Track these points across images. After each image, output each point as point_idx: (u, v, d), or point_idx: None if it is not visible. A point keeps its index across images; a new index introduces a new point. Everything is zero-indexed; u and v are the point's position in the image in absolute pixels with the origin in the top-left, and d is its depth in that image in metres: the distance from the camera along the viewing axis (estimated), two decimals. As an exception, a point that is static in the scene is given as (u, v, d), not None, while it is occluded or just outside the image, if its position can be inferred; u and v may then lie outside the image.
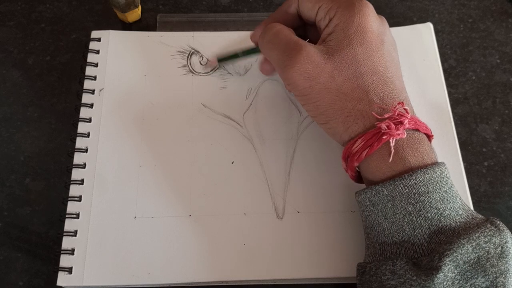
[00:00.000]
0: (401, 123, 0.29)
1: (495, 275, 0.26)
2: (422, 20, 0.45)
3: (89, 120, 0.38)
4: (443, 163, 0.29)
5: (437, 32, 0.44)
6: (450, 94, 0.42)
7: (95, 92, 0.40)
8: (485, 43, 0.45)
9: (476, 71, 0.43)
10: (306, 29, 0.38)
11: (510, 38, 0.45)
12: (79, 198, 0.36)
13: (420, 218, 0.27)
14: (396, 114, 0.29)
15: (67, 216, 0.35)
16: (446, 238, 0.27)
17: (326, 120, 0.32)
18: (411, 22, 0.45)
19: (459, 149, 0.38)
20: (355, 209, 0.36)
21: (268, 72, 0.39)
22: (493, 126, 0.41)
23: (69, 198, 0.36)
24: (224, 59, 0.40)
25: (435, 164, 0.29)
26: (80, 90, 0.40)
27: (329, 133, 0.32)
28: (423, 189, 0.28)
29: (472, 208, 0.36)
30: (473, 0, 0.47)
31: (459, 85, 0.43)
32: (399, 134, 0.28)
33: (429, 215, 0.27)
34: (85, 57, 0.41)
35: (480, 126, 0.41)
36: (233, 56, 0.40)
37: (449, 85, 0.42)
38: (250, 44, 0.38)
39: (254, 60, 0.41)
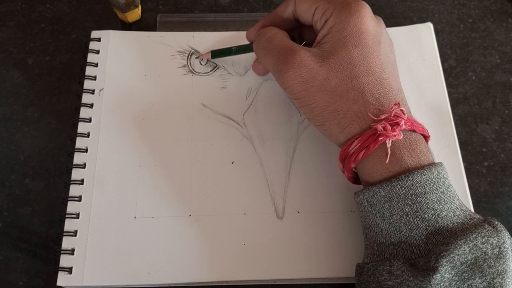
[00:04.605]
0: (397, 124, 0.29)
1: (492, 276, 0.26)
2: (422, 20, 0.45)
3: (89, 120, 0.38)
4: (440, 163, 0.29)
5: (437, 32, 0.44)
6: (450, 94, 0.42)
7: (95, 92, 0.40)
8: (485, 43, 0.45)
9: (476, 71, 0.43)
10: (302, 31, 0.38)
11: (510, 38, 0.45)
12: (79, 198, 0.36)
13: (417, 219, 0.27)
14: (392, 115, 0.29)
15: (67, 216, 0.35)
16: (443, 239, 0.27)
17: (321, 122, 0.32)
18: (411, 22, 0.45)
19: (459, 149, 0.38)
20: (355, 209, 0.36)
21: (261, 72, 0.39)
22: (493, 126, 0.41)
23: (69, 198, 0.36)
24: (218, 54, 0.40)
25: (432, 164, 0.29)
26: (80, 90, 0.40)
27: (325, 134, 0.32)
28: (420, 190, 0.28)
29: (472, 208, 0.36)
30: (473, 0, 0.47)
31: (459, 85, 0.43)
32: (395, 135, 0.28)
33: (426, 216, 0.27)
34: (85, 57, 0.41)
35: (480, 126, 0.41)
36: (226, 52, 0.40)
37: (449, 85, 0.42)
38: (246, 42, 0.38)
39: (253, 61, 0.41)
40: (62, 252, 0.34)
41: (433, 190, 0.28)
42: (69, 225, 0.35)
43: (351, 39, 0.31)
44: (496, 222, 0.28)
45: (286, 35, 0.34)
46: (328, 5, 0.32)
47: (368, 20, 0.32)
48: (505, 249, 0.27)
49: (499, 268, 0.26)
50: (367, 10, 0.32)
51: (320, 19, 0.33)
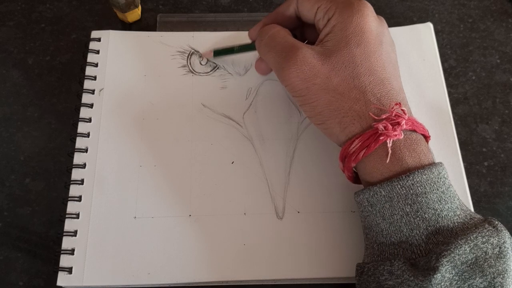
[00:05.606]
0: (398, 123, 0.29)
1: (493, 276, 0.26)
2: (422, 20, 0.45)
3: (89, 120, 0.38)
4: (441, 163, 0.29)
5: (437, 32, 0.44)
6: (450, 94, 0.42)
7: (95, 92, 0.40)
8: (485, 43, 0.45)
9: (476, 71, 0.43)
10: (305, 30, 0.38)
11: (510, 38, 0.45)
12: (79, 198, 0.36)
13: (418, 218, 0.27)
14: (393, 114, 0.29)
15: (67, 216, 0.35)
16: (443, 238, 0.27)
17: (322, 121, 0.32)
18: (411, 22, 0.45)
19: (459, 149, 0.38)
20: (355, 209, 0.36)
21: (263, 71, 0.39)
22: (493, 126, 0.41)
23: (69, 198, 0.36)
24: (220, 52, 0.40)
25: (432, 164, 0.29)
26: (80, 90, 0.40)
27: (325, 133, 0.32)
28: (420, 190, 0.28)
29: (472, 208, 0.36)
30: (473, 0, 0.47)
31: (459, 85, 0.43)
32: (396, 135, 0.28)
33: (426, 215, 0.27)
34: (85, 57, 0.41)
35: (480, 126, 0.41)
36: (229, 50, 0.40)
37: (449, 85, 0.42)
38: (247, 41, 0.38)
39: (254, 60, 0.41)
40: (62, 252, 0.34)
41: (433, 190, 0.28)
42: (69, 225, 0.35)
43: (353, 38, 0.31)
44: (497, 222, 0.28)
45: (288, 33, 0.34)
46: (331, 4, 0.32)
47: (371, 20, 0.32)
48: (506, 249, 0.27)
49: (500, 267, 0.26)
50: (369, 10, 0.32)
51: (323, 17, 0.33)
